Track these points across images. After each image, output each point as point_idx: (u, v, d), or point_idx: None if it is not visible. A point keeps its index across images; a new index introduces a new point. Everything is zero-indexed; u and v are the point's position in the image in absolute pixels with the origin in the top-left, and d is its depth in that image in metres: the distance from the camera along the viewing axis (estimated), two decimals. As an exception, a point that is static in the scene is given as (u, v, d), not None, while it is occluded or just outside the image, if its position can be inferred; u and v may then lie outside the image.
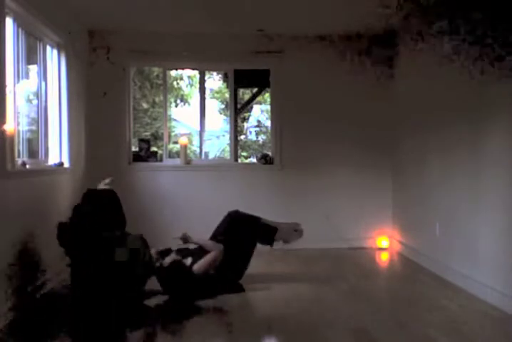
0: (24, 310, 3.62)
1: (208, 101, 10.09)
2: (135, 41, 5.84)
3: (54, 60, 4.81)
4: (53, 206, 4.49)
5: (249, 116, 11.88)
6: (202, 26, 5.56)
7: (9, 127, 3.56)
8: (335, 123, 6.07)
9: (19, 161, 3.91)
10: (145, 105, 10.74)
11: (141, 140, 6.55)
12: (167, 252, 4.13)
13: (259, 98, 10.50)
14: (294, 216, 5.01)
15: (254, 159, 9.55)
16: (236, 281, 4.31)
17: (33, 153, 4.48)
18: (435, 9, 4.73)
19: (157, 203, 5.85)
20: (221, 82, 11.03)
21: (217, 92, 11.57)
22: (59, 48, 4.84)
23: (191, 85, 11.32)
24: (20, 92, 4.17)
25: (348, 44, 6.00)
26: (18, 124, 4.06)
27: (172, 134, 10.66)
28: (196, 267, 4.05)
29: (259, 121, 11.73)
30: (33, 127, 4.55)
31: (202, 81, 6.72)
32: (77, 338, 3.31)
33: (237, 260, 4.29)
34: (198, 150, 8.20)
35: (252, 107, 11.53)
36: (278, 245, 4.58)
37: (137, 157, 6.05)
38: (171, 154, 7.89)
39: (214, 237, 4.42)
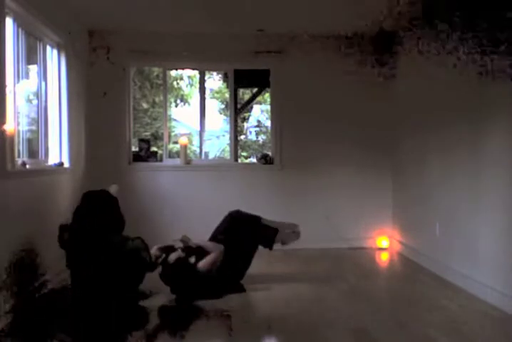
0: (24, 310, 3.62)
1: (208, 101, 10.09)
2: (135, 41, 5.84)
3: (54, 60, 4.81)
4: (53, 206, 4.49)
5: (249, 116, 11.88)
6: (202, 26, 5.56)
7: (9, 127, 3.56)
8: (335, 123, 6.07)
9: (19, 161, 3.91)
10: (145, 105, 10.74)
11: (141, 140, 6.55)
12: (169, 249, 4.13)
13: (259, 98, 10.50)
14: (294, 216, 5.02)
15: (254, 159, 9.55)
16: (237, 281, 4.31)
17: (33, 153, 4.48)
18: (436, 10, 4.73)
19: (157, 203, 5.84)
20: (221, 82, 11.03)
21: (217, 92, 11.57)
22: (59, 48, 4.84)
23: (191, 85, 11.32)
24: (20, 92, 4.17)
25: (348, 44, 6.00)
26: (18, 124, 4.05)
27: (172, 134, 10.66)
28: (200, 265, 4.05)
29: (259, 121, 11.73)
30: (33, 127, 4.55)
31: (202, 81, 6.72)
32: (77, 339, 3.31)
33: (237, 260, 4.29)
34: (198, 150, 8.20)
35: (252, 107, 11.53)
36: (276, 246, 4.58)
37: (137, 157, 6.05)
38: (171, 154, 7.89)
39: (215, 237, 4.42)
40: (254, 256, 4.40)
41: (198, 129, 6.80)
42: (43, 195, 4.28)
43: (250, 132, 11.86)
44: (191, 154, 9.01)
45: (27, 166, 4.00)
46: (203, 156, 7.03)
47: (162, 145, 6.62)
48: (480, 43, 3.98)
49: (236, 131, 7.11)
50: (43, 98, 4.63)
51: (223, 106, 11.40)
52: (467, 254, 4.21)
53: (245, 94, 10.22)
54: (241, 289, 4.21)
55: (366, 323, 3.46)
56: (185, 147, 6.14)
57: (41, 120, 4.57)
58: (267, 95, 9.73)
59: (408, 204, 5.61)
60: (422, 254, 5.14)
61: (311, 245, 5.73)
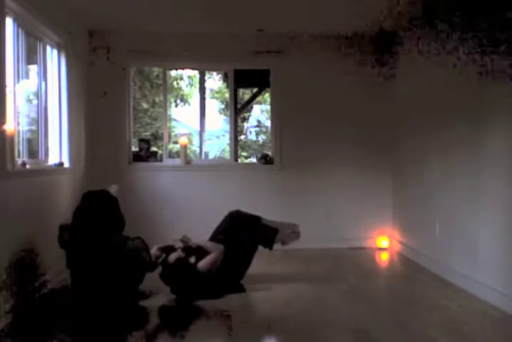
0: (24, 310, 3.62)
1: (208, 101, 10.09)
2: (135, 41, 5.84)
3: (54, 60, 4.81)
4: (53, 206, 4.49)
5: (249, 116, 11.88)
6: (202, 26, 5.56)
7: (9, 127, 3.56)
8: (335, 123, 6.07)
9: (19, 161, 3.91)
10: (145, 105, 10.74)
11: (141, 140, 6.55)
12: (169, 249, 4.13)
13: (259, 98, 10.50)
14: (294, 216, 5.02)
15: (254, 159, 9.55)
16: (237, 281, 4.31)
17: (33, 153, 4.48)
18: (436, 10, 4.73)
19: (157, 203, 5.84)
20: (221, 82, 11.03)
21: (217, 92, 11.57)
22: (59, 48, 4.84)
23: (191, 85, 11.32)
24: (20, 92, 4.17)
25: (348, 44, 6.00)
26: (18, 124, 4.05)
27: (172, 134, 10.66)
28: (201, 265, 4.06)
29: (259, 121, 11.72)
30: (33, 127, 4.55)
31: (202, 81, 6.72)
32: (77, 339, 3.31)
33: (237, 260, 4.29)
34: (198, 150, 8.20)
35: (252, 107, 11.53)
36: (276, 246, 4.58)
37: (137, 157, 6.05)
38: (171, 154, 7.89)
39: (215, 237, 4.42)
40: (254, 256, 4.40)
41: (198, 129, 6.80)
42: (43, 195, 4.28)
43: (250, 132, 11.86)
44: (191, 154, 9.01)
45: (27, 166, 4.00)
46: (203, 156, 7.03)
47: (162, 145, 6.62)
48: (480, 43, 3.98)
49: (236, 131, 7.11)
50: (43, 98, 4.63)
51: (223, 106, 11.40)
52: (467, 254, 4.21)
53: (245, 94, 10.22)
54: (241, 289, 4.21)
55: (366, 323, 3.46)
56: (185, 147, 6.14)
57: (40, 120, 4.57)
58: (267, 95, 9.73)
59: (408, 204, 5.61)
60: (422, 254, 5.14)
61: (311, 245, 5.73)
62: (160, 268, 4.07)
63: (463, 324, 3.41)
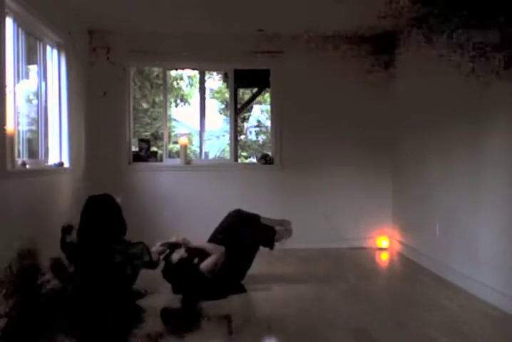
0: (24, 310, 3.61)
1: (208, 101, 10.09)
2: (135, 41, 5.84)
3: (54, 60, 4.81)
4: (53, 206, 4.49)
5: (249, 116, 11.88)
6: (202, 25, 5.56)
7: (9, 127, 3.56)
8: (335, 123, 6.07)
9: (19, 161, 3.91)
10: (145, 105, 10.74)
11: (141, 140, 6.55)
12: (173, 246, 4.12)
13: (259, 98, 10.50)
14: (294, 216, 5.00)
15: (254, 159, 9.55)
16: (238, 281, 4.31)
17: (33, 153, 4.48)
18: (435, 10, 4.73)
19: (157, 203, 5.84)
20: (221, 82, 11.03)
21: (217, 92, 11.57)
22: (59, 48, 4.84)
23: (191, 85, 11.32)
24: (20, 92, 4.17)
25: (348, 44, 6.00)
26: (18, 124, 4.05)
27: (172, 134, 10.66)
28: (203, 266, 4.06)
29: (259, 121, 11.73)
30: (33, 127, 4.55)
31: (202, 81, 6.72)
32: (76, 339, 3.31)
33: (238, 259, 4.28)
34: (198, 150, 8.20)
35: (252, 107, 11.53)
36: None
37: (137, 157, 6.05)
38: (171, 154, 7.89)
39: (215, 236, 4.43)
40: (255, 256, 4.40)
41: (198, 129, 6.80)
42: (43, 195, 4.28)
43: (250, 132, 11.86)
44: (191, 154, 9.02)
45: (27, 166, 4.00)
46: (203, 156, 7.03)
47: (162, 145, 6.62)
48: (481, 43, 3.98)
49: (236, 131, 7.11)
50: (43, 98, 4.63)
51: (223, 106, 11.40)
52: (467, 254, 4.21)
53: (245, 94, 10.22)
54: (242, 289, 4.21)
55: (366, 323, 3.46)
56: (185, 147, 6.14)
57: (41, 120, 4.57)
58: (267, 95, 9.73)
59: (408, 204, 5.61)
60: (422, 254, 5.14)
61: (312, 245, 5.74)
62: (162, 266, 4.08)
63: (463, 324, 3.41)
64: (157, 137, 9.82)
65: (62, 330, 3.36)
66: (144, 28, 5.70)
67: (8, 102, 3.57)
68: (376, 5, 4.73)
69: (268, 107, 8.61)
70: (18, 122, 4.01)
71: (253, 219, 4.50)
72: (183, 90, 11.28)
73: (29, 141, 4.43)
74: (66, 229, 3.94)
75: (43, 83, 4.62)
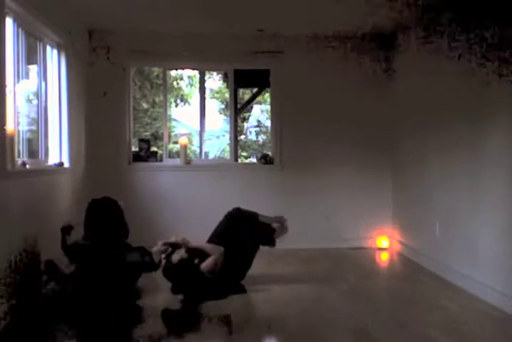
0: (24, 311, 3.61)
1: (208, 101, 10.09)
2: (135, 41, 5.84)
3: (54, 60, 4.81)
4: (53, 206, 4.49)
5: (249, 116, 11.88)
6: (202, 25, 5.56)
7: (9, 127, 3.56)
8: (335, 123, 6.07)
9: (19, 161, 3.90)
10: (145, 105, 10.74)
11: (141, 140, 6.55)
12: (174, 245, 4.13)
13: (259, 98, 10.50)
14: (294, 216, 5.00)
15: (254, 159, 9.55)
16: (238, 281, 4.31)
17: (33, 153, 4.48)
18: (435, 10, 4.73)
19: (157, 203, 5.84)
20: (221, 82, 11.03)
21: (217, 92, 11.57)
22: (59, 48, 4.84)
23: (191, 85, 11.32)
24: (20, 92, 4.17)
25: (348, 44, 6.00)
26: (18, 124, 4.05)
27: (172, 134, 10.66)
28: (203, 266, 4.06)
29: (259, 121, 11.72)
30: (33, 127, 4.55)
31: (202, 81, 6.72)
32: (76, 339, 3.31)
33: (237, 259, 4.28)
34: (198, 150, 8.20)
35: (252, 107, 11.53)
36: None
37: (137, 157, 6.05)
38: (171, 154, 7.89)
39: (214, 237, 4.43)
40: (255, 256, 4.40)
41: (198, 129, 6.80)
42: (43, 195, 4.28)
43: (250, 132, 11.86)
44: (191, 154, 9.01)
45: (27, 166, 4.00)
46: (203, 156, 7.03)
47: (162, 145, 6.62)
48: (481, 43, 3.99)
49: (236, 131, 7.11)
50: (43, 98, 4.63)
51: (223, 106, 11.40)
52: (467, 254, 4.21)
53: (245, 94, 10.22)
54: (242, 290, 4.21)
55: (366, 323, 3.46)
56: (185, 147, 6.14)
57: (41, 120, 4.57)
58: (267, 95, 9.73)
59: (408, 204, 5.61)
60: (422, 254, 5.13)
61: (312, 245, 5.74)
62: (162, 265, 4.08)
63: (463, 324, 3.41)
64: (157, 137, 9.82)
65: (62, 331, 3.36)
66: (144, 28, 5.70)
67: (8, 102, 3.57)
68: (376, 5, 4.72)
69: (268, 107, 8.61)
70: (18, 122, 4.00)
71: (252, 217, 4.51)
72: (183, 90, 11.28)
73: (29, 141, 4.43)
74: (66, 229, 3.94)
75: (43, 83, 4.62)
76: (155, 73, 9.94)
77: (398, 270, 5.29)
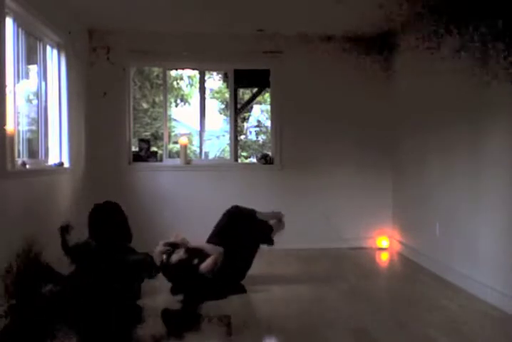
0: (23, 311, 3.61)
1: (208, 101, 10.09)
2: (135, 41, 5.84)
3: (54, 60, 4.81)
4: (53, 206, 4.49)
5: (249, 116, 11.88)
6: (202, 26, 5.56)
7: (9, 127, 3.56)
8: (335, 123, 6.07)
9: (19, 161, 3.90)
10: (145, 105, 10.74)
11: (141, 140, 6.55)
12: (174, 246, 4.13)
13: (259, 98, 10.50)
14: (294, 216, 5.02)
15: (254, 159, 9.55)
16: (238, 281, 4.31)
17: (33, 153, 4.48)
18: (435, 10, 4.73)
19: (157, 203, 5.84)
20: (221, 82, 11.03)
21: (217, 92, 11.56)
22: (59, 48, 4.84)
23: (191, 85, 11.31)
24: (20, 92, 4.17)
25: (348, 44, 6.00)
26: (18, 124, 4.05)
27: (172, 134, 10.66)
28: (203, 267, 4.06)
29: (259, 121, 11.72)
30: (33, 127, 4.55)
31: (202, 81, 6.72)
32: (77, 339, 3.31)
33: (237, 258, 4.28)
34: (198, 150, 8.19)
35: (252, 107, 11.53)
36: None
37: (137, 157, 6.05)
38: (171, 154, 7.89)
39: (213, 237, 4.43)
40: (255, 256, 4.40)
41: (198, 129, 6.79)
42: (43, 195, 4.28)
43: (250, 132, 11.86)
44: (191, 154, 9.01)
45: (27, 166, 4.00)
46: (203, 156, 7.03)
47: (162, 145, 6.62)
48: (481, 43, 3.99)
49: (236, 131, 7.11)
50: (43, 98, 4.63)
51: (223, 106, 11.39)
52: (467, 254, 4.21)
53: (245, 94, 10.22)
54: (242, 290, 4.21)
55: (366, 323, 3.46)
56: (185, 147, 6.14)
57: (41, 120, 4.57)
58: (267, 95, 9.73)
59: (408, 204, 5.61)
60: (422, 254, 5.13)
61: (312, 245, 5.74)
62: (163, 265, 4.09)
63: (463, 324, 3.41)
64: (157, 137, 9.82)
65: (62, 331, 3.36)
66: (144, 28, 5.70)
67: (8, 102, 3.57)
68: (376, 5, 4.73)
69: (268, 107, 8.61)
70: (18, 122, 4.01)
71: (250, 214, 4.51)
72: (183, 90, 11.27)
73: (29, 141, 4.43)
74: (65, 229, 3.93)
75: (43, 83, 4.62)
76: (155, 73, 9.94)
77: (398, 270, 5.29)
